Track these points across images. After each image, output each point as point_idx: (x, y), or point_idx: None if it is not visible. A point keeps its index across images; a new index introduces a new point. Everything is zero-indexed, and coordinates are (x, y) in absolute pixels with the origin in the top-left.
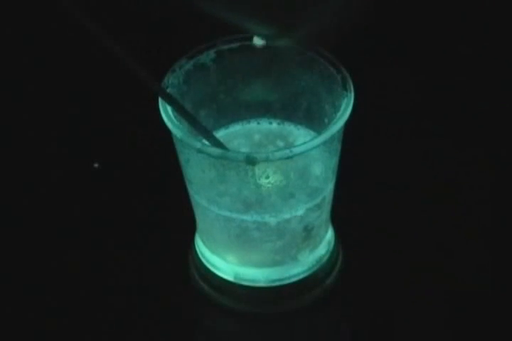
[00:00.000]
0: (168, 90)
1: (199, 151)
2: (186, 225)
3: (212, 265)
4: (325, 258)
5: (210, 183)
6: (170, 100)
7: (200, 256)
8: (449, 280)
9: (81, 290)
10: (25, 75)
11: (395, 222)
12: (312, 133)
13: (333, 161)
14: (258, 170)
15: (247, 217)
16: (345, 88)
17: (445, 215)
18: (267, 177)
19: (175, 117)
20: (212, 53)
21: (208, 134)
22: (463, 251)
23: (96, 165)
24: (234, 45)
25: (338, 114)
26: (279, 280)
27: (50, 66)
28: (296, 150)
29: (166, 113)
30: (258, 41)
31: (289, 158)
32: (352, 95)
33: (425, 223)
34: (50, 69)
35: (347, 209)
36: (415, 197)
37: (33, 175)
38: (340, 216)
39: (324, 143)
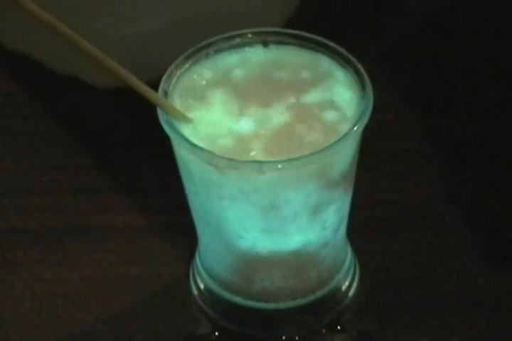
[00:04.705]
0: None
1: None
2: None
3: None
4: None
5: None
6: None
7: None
8: (463, 301)
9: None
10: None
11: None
12: None
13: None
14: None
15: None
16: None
17: (464, 231)
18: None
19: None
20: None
21: None
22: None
23: None
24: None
25: (358, 115)
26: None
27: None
28: (314, 157)
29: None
30: None
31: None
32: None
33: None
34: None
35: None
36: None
37: (31, 178)
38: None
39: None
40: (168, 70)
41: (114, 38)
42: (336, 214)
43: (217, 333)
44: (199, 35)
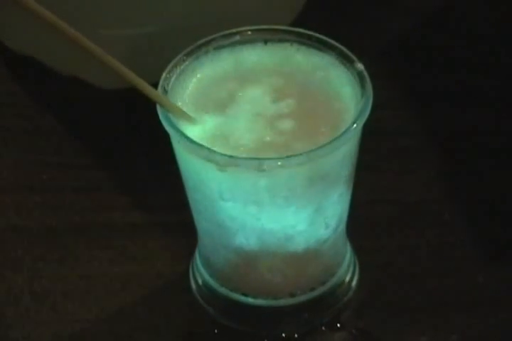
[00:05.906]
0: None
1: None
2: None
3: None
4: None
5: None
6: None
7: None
8: (463, 306)
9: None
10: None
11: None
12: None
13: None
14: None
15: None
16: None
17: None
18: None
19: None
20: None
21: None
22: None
23: None
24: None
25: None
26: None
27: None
28: (314, 154)
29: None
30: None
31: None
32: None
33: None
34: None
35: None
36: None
37: (31, 176)
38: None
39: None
40: (168, 68)
41: (115, 38)
42: (335, 211)
43: (216, 331)
44: (203, 35)
